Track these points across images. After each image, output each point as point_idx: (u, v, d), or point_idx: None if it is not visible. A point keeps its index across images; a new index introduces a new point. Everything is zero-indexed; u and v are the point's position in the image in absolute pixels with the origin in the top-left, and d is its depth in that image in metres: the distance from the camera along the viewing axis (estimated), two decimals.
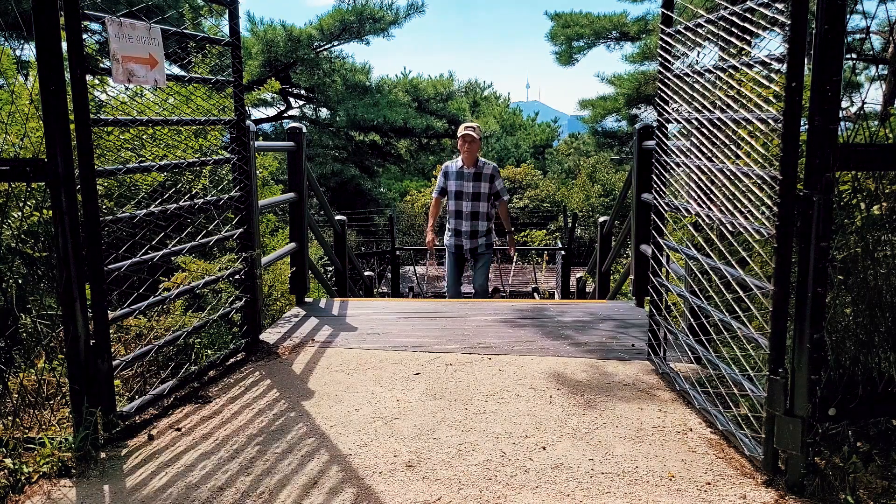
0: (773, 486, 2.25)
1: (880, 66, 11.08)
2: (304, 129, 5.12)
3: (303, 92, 19.52)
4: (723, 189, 2.55)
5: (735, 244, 2.66)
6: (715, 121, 2.63)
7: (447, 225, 5.95)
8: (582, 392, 3.14)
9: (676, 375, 3.14)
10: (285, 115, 19.98)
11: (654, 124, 3.35)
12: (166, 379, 3.10)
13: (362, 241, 19.85)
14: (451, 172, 5.76)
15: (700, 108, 2.78)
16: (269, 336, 4.12)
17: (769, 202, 2.23)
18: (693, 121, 2.84)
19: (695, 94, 2.83)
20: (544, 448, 2.57)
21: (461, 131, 5.72)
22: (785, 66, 2.12)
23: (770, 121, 2.25)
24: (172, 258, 3.32)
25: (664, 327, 3.30)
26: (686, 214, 2.95)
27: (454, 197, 5.74)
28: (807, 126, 2.10)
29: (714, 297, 2.81)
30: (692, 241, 2.99)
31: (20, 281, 3.13)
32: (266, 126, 19.75)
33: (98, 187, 2.61)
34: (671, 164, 3.13)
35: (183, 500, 2.23)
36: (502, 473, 2.38)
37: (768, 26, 2.25)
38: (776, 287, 2.21)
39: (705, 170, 2.71)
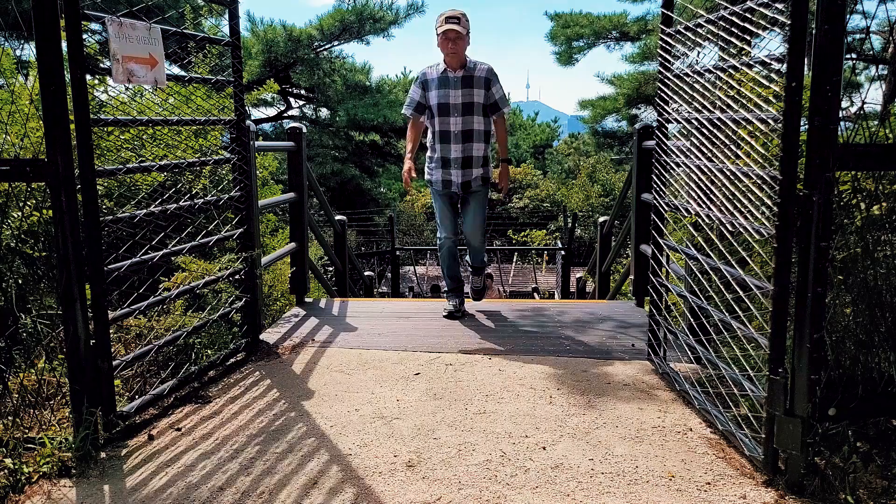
0: (773, 486, 2.25)
1: (880, 66, 11.09)
2: (304, 129, 5.12)
3: (303, 92, 19.53)
4: (723, 189, 2.55)
5: (735, 244, 2.65)
6: (715, 121, 2.63)
7: (428, 154, 4.43)
8: (582, 392, 3.14)
9: (676, 375, 3.14)
10: (285, 115, 19.98)
11: (654, 124, 3.35)
12: (166, 379, 3.10)
13: (362, 241, 19.86)
14: (430, 80, 4.25)
15: (700, 108, 2.78)
16: (269, 336, 4.12)
17: (769, 202, 2.23)
18: (693, 121, 2.84)
19: (695, 94, 2.83)
20: (544, 448, 2.57)
21: (441, 25, 4.14)
22: (785, 66, 2.12)
23: (770, 121, 2.25)
24: (172, 258, 3.32)
25: (664, 327, 3.30)
26: (686, 214, 2.95)
27: (437, 112, 4.23)
28: (807, 126, 2.10)
29: (714, 297, 2.81)
30: (692, 241, 2.99)
31: (20, 281, 3.13)
32: (266, 126, 19.75)
33: (98, 187, 2.62)
34: (671, 164, 3.13)
35: (183, 499, 2.23)
36: (502, 473, 2.38)
37: (768, 26, 2.25)
38: (776, 287, 2.21)
39: (705, 170, 2.71)
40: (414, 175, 4.26)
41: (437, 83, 4.23)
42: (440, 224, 4.53)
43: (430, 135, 4.40)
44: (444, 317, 4.60)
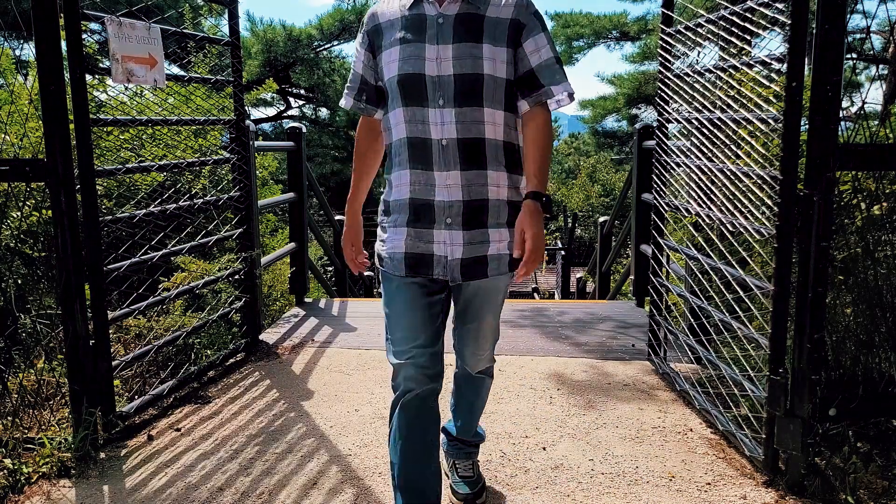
0: (774, 487, 2.25)
1: (880, 66, 11.09)
2: (304, 129, 5.12)
3: (303, 92, 19.53)
4: (723, 189, 2.55)
5: (735, 244, 2.65)
6: (715, 121, 2.63)
7: (384, 197, 2.00)
8: (582, 392, 3.14)
9: (676, 375, 3.14)
10: (285, 115, 19.98)
11: (654, 124, 3.35)
12: (166, 379, 3.10)
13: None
14: (385, 24, 1.77)
15: (700, 107, 2.78)
16: (268, 336, 4.12)
17: (769, 202, 2.23)
18: (693, 121, 2.84)
19: (695, 94, 2.83)
20: (544, 448, 2.57)
21: None
22: (785, 66, 2.12)
23: (770, 121, 2.25)
24: (172, 258, 3.31)
25: (664, 327, 3.30)
26: (686, 214, 2.95)
27: (400, 93, 1.72)
28: (807, 126, 2.10)
29: (714, 297, 2.81)
30: (692, 241, 2.99)
31: (20, 281, 3.13)
32: (266, 126, 19.74)
33: (98, 187, 2.61)
34: (671, 164, 3.13)
35: (182, 500, 2.23)
36: (502, 474, 2.38)
37: (768, 26, 2.24)
38: (776, 287, 2.21)
39: (705, 170, 2.71)
40: (365, 261, 2.13)
41: (399, 28, 1.75)
42: (394, 336, 2.04)
43: (389, 148, 1.91)
44: None
